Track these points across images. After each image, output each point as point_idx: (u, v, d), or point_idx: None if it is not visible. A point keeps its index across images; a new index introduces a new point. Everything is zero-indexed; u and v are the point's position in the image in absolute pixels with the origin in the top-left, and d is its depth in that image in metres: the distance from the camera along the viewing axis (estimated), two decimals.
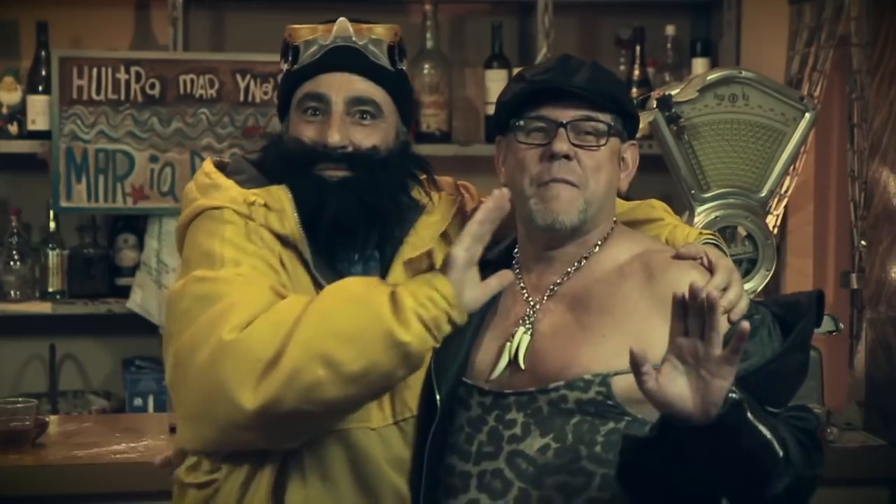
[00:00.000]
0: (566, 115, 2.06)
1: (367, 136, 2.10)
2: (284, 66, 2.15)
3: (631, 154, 2.15)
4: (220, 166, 2.18)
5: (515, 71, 4.09)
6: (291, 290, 2.04)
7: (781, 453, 1.87)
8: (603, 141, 2.07)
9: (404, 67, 2.17)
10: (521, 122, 2.09)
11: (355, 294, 1.93)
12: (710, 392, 1.79)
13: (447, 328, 1.92)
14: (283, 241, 2.09)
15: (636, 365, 1.81)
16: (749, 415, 1.84)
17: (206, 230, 2.07)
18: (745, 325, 1.76)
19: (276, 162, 2.13)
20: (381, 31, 2.14)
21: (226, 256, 2.03)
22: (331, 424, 2.03)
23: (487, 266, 2.19)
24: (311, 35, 2.12)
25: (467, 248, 1.92)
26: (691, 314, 1.79)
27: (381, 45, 2.13)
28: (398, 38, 2.16)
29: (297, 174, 2.10)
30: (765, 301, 2.14)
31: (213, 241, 2.05)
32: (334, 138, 2.08)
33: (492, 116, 2.22)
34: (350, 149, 2.09)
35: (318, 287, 2.07)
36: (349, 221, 2.09)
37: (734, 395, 1.82)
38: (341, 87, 2.10)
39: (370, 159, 2.09)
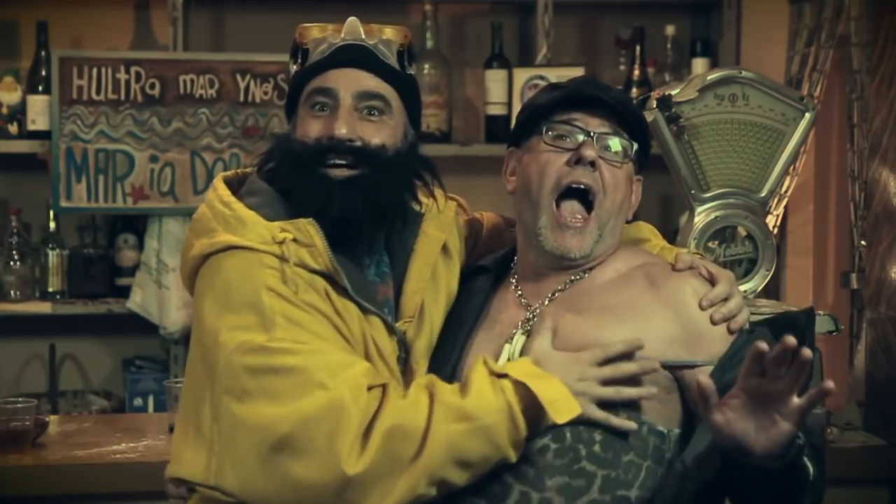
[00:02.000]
0: (596, 125, 2.10)
1: (375, 133, 2.08)
2: (294, 67, 2.13)
3: (636, 189, 2.19)
4: (234, 184, 2.13)
5: (515, 71, 4.13)
6: (342, 323, 2.02)
7: (812, 480, 1.91)
8: (626, 160, 2.12)
9: (413, 72, 2.16)
10: (552, 126, 2.11)
11: (480, 426, 1.92)
12: (778, 433, 1.81)
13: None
14: (319, 273, 2.04)
15: (704, 396, 1.82)
16: (805, 459, 1.87)
17: (243, 273, 2.00)
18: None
19: (281, 160, 2.10)
20: (390, 32, 2.13)
21: (276, 312, 1.97)
22: None
23: (482, 272, 2.21)
24: (321, 34, 2.11)
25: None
26: (772, 364, 1.77)
27: (390, 47, 2.12)
28: (408, 41, 2.14)
29: (303, 172, 2.07)
30: (759, 322, 2.15)
31: (260, 292, 1.98)
32: (341, 131, 2.05)
33: (515, 123, 2.22)
34: (358, 143, 2.06)
35: (364, 311, 2.05)
36: (355, 220, 2.06)
37: (799, 440, 1.84)
38: (350, 81, 2.08)
39: (377, 157, 2.07)
